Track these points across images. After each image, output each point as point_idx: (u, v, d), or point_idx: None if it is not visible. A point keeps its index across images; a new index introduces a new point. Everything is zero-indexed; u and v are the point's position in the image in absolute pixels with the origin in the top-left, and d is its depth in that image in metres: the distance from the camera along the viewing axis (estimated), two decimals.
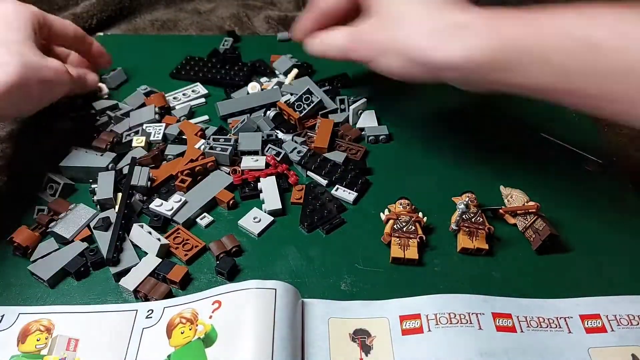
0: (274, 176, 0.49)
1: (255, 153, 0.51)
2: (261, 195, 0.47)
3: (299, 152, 0.51)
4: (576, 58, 0.35)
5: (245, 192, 0.48)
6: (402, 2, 0.43)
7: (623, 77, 0.34)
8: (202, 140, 0.51)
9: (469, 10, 0.40)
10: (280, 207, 0.46)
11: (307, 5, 0.51)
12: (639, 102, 0.34)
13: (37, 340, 0.37)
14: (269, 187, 0.47)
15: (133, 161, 0.49)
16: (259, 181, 0.48)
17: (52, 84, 0.46)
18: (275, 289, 0.37)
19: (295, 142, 0.52)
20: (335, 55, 0.48)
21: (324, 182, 0.49)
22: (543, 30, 0.36)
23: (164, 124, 0.54)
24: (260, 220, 0.46)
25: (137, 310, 0.39)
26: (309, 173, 0.50)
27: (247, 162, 0.50)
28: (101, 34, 0.71)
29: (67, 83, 0.48)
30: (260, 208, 0.47)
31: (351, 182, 0.48)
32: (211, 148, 0.50)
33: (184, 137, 0.53)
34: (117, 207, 0.45)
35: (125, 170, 0.49)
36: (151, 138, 0.53)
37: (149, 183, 0.47)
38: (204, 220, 0.46)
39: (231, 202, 0.47)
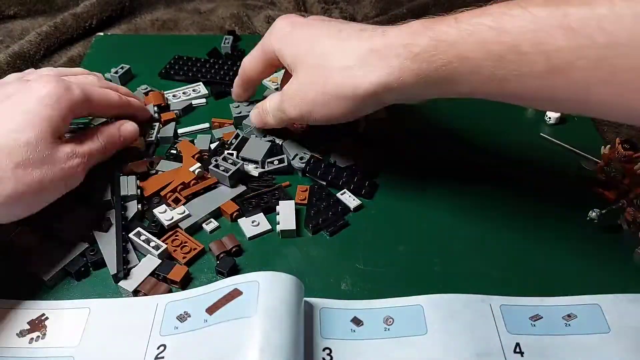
0: (293, 201, 0.47)
1: (255, 162, 0.50)
2: (277, 216, 0.45)
3: (301, 158, 0.50)
4: (503, 64, 0.33)
5: (250, 208, 0.46)
6: (317, 48, 0.42)
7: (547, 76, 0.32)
8: (198, 164, 0.49)
9: (384, 32, 0.39)
10: (294, 228, 0.44)
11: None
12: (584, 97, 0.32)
13: None
14: (286, 209, 0.46)
15: (116, 175, 0.47)
16: (278, 204, 0.46)
17: (60, 182, 0.40)
18: (258, 281, 0.36)
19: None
20: (274, 121, 0.48)
21: (324, 182, 0.49)
22: (463, 41, 0.34)
23: (157, 124, 0.54)
24: (258, 224, 0.45)
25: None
26: (310, 176, 0.50)
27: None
28: (101, 34, 0.71)
29: (80, 175, 0.42)
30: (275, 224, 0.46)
31: (357, 187, 0.48)
32: (215, 166, 0.47)
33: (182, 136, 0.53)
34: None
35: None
36: (146, 138, 0.52)
37: (139, 190, 0.46)
38: (210, 225, 0.46)
39: (235, 214, 0.46)
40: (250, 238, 0.45)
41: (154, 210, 0.45)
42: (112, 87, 0.52)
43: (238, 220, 0.46)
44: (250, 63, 0.50)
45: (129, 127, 0.49)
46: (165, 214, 0.45)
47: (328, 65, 0.41)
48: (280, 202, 0.46)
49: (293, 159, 0.50)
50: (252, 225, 0.45)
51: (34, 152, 0.38)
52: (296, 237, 0.45)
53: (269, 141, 0.52)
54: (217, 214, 0.47)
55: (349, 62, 0.40)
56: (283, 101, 0.46)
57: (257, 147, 0.51)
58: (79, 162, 0.42)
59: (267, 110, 0.48)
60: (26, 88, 0.41)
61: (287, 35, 0.45)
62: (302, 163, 0.50)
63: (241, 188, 0.48)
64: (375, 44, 0.39)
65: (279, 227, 0.45)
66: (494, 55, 0.33)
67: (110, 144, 0.46)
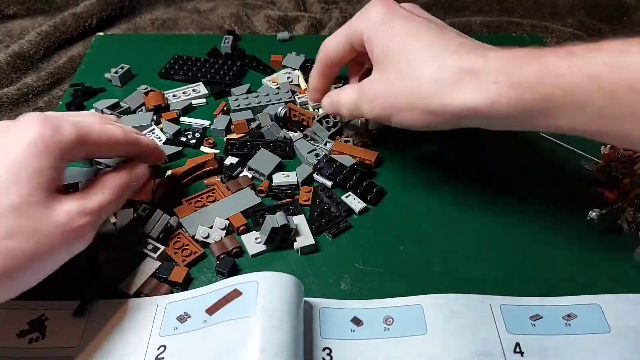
0: (303, 215, 0.46)
1: (262, 174, 0.49)
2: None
3: (316, 154, 0.50)
4: (616, 102, 0.31)
5: (261, 221, 0.45)
6: (410, 52, 0.39)
7: None
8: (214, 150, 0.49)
9: (485, 54, 0.37)
10: (313, 242, 0.43)
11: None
12: None
13: None
14: (301, 225, 0.44)
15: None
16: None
17: (64, 249, 0.34)
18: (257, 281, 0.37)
19: (310, 142, 0.52)
20: (348, 114, 0.46)
21: (329, 183, 0.49)
22: (573, 74, 0.32)
23: (156, 128, 0.54)
24: (260, 242, 0.44)
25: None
26: (316, 176, 0.49)
27: (279, 179, 0.48)
28: (101, 33, 0.71)
29: (89, 238, 0.35)
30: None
31: (365, 192, 0.48)
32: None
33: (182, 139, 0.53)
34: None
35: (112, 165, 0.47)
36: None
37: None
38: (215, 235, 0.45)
39: (242, 228, 0.45)
40: (253, 255, 0.43)
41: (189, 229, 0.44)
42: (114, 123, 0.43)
43: (241, 236, 0.44)
44: (332, 44, 0.46)
45: (141, 171, 0.41)
46: (201, 232, 0.44)
47: (419, 74, 0.38)
48: (293, 217, 0.44)
49: (309, 152, 0.50)
50: (255, 242, 0.44)
51: (23, 217, 0.31)
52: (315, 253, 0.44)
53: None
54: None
55: (442, 75, 0.37)
56: (361, 98, 0.43)
57: (266, 159, 0.49)
58: (88, 221, 0.34)
59: (341, 103, 0.45)
60: (4, 131, 0.34)
61: (383, 26, 0.41)
62: (315, 159, 0.50)
63: (256, 199, 0.47)
64: (474, 64, 0.36)
65: (296, 245, 0.43)
66: (606, 91, 0.31)
67: (119, 196, 0.38)
